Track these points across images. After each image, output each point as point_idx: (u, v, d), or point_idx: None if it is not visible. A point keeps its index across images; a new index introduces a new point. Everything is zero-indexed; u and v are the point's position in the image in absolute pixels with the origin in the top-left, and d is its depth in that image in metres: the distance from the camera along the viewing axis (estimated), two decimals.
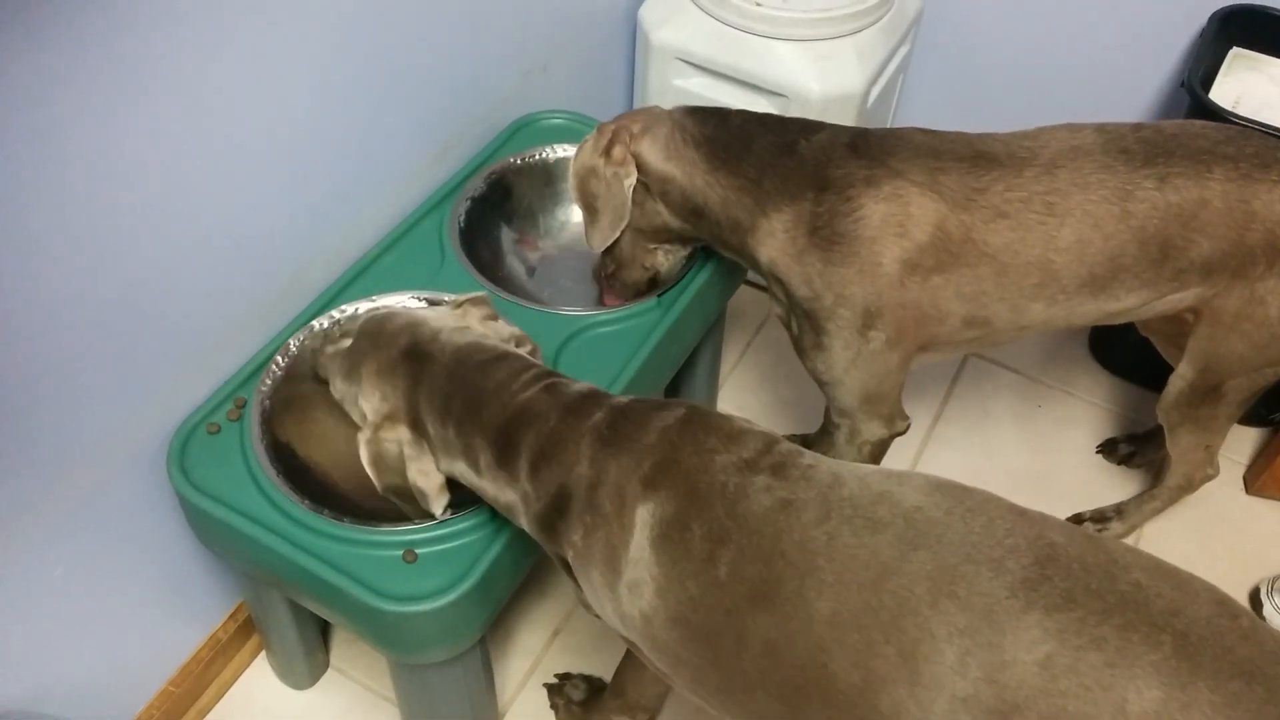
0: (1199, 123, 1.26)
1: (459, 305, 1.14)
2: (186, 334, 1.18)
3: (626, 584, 0.94)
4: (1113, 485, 1.75)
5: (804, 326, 1.28)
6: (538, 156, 1.49)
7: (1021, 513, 0.88)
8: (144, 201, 1.05)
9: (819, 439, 1.63)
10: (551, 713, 1.45)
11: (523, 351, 1.10)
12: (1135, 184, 1.19)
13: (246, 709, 1.45)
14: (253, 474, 1.14)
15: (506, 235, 1.48)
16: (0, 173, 0.90)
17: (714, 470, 0.93)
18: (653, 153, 1.27)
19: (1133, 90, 1.83)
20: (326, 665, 1.48)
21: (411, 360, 1.07)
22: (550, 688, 1.46)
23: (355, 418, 1.13)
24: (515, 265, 1.47)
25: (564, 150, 1.50)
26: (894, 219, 1.18)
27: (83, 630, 1.22)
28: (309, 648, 1.42)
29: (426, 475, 1.07)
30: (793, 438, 1.63)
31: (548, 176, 1.51)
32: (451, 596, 1.06)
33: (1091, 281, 1.22)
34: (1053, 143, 1.23)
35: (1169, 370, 1.43)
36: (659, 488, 0.93)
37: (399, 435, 1.07)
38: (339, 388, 1.14)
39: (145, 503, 1.22)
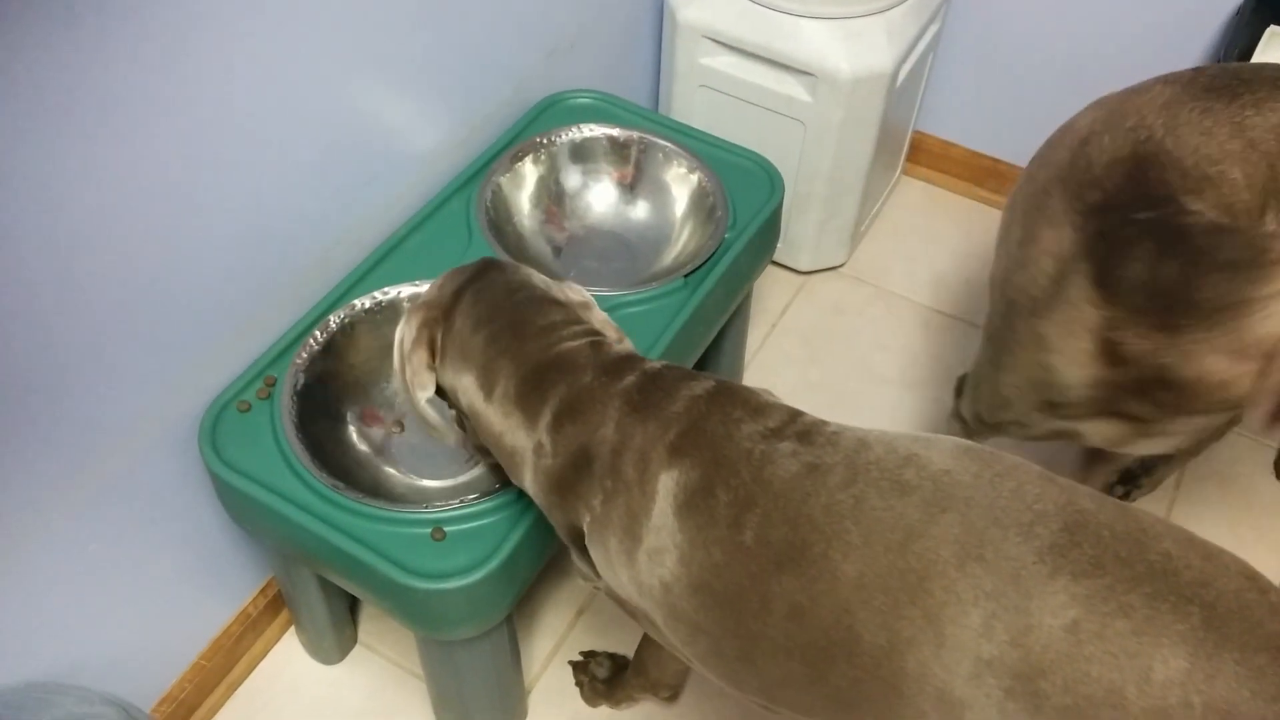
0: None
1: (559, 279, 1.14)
2: (217, 314, 1.19)
3: (646, 551, 0.93)
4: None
5: None
6: (564, 136, 1.49)
7: (1051, 479, 0.88)
8: (174, 183, 1.06)
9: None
10: (575, 690, 1.46)
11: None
12: (1243, 116, 1.16)
13: (276, 683, 1.47)
14: (283, 452, 1.15)
15: (533, 215, 1.48)
16: (33, 157, 0.91)
17: (739, 438, 0.92)
18: None
19: (1166, 70, 1.81)
20: (355, 641, 1.50)
21: (485, 265, 1.07)
22: (575, 665, 1.47)
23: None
24: (541, 245, 1.47)
25: (590, 130, 1.49)
26: None
27: (117, 604, 1.23)
28: (338, 623, 1.43)
29: (419, 367, 1.04)
30: None
31: (574, 156, 1.51)
32: (479, 574, 1.07)
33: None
34: (1148, 113, 1.19)
35: None
36: (684, 455, 0.92)
37: (420, 318, 1.04)
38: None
39: (176, 480, 1.23)
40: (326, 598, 1.36)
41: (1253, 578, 0.82)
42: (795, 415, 0.96)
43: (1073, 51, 1.86)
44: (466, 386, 1.02)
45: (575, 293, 1.09)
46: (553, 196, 1.50)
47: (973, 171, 2.10)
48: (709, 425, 0.93)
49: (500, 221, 1.42)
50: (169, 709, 1.35)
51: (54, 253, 0.97)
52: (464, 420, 1.08)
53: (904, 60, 1.72)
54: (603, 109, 1.56)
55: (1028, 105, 1.97)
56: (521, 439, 1.00)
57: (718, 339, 1.55)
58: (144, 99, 0.99)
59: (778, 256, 1.95)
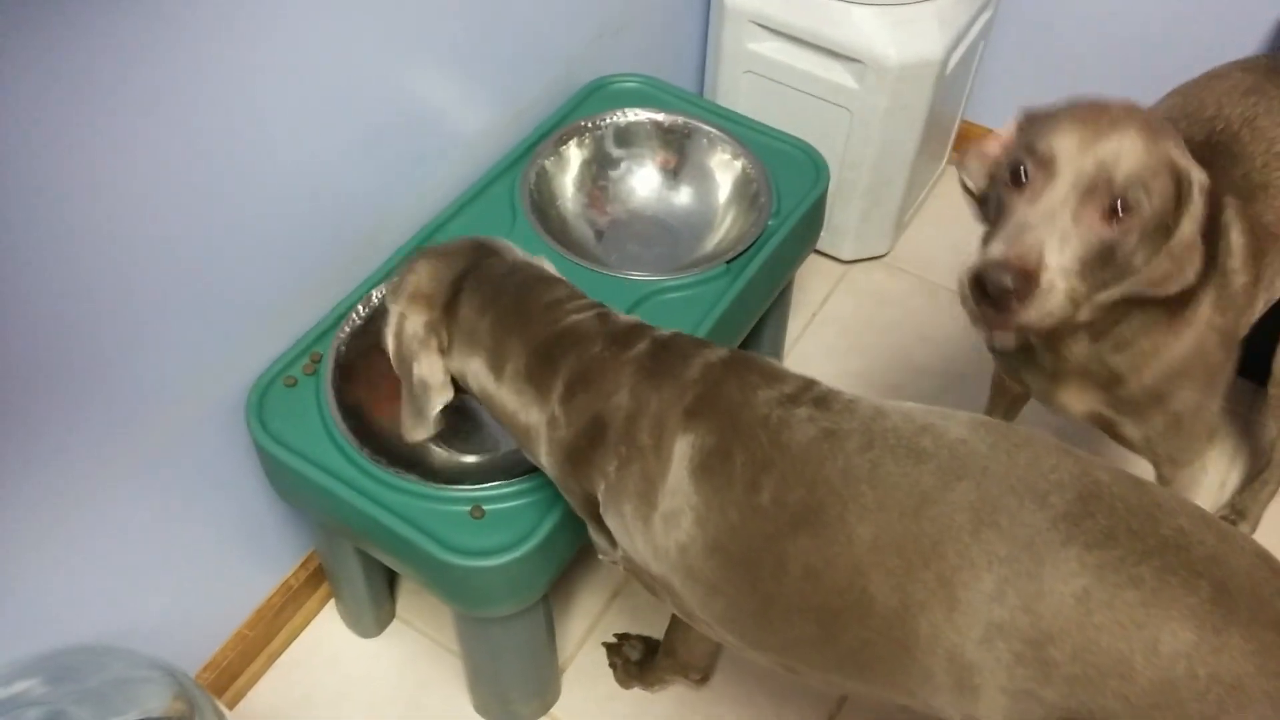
0: None
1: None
2: (265, 290, 1.21)
3: (662, 515, 0.94)
4: None
5: (1148, 412, 1.17)
6: (610, 120, 1.49)
7: (1068, 451, 0.88)
8: (226, 162, 1.08)
9: None
10: (609, 671, 1.47)
11: None
12: None
13: (315, 654, 1.49)
14: (327, 427, 1.17)
15: (576, 199, 1.49)
16: (90, 138, 0.93)
17: (757, 403, 0.93)
18: None
19: (1225, 58, 1.77)
20: (393, 615, 1.52)
21: (477, 249, 1.07)
22: (609, 647, 1.49)
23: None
24: (584, 229, 1.48)
25: (635, 114, 1.50)
26: (1241, 241, 1.11)
27: (164, 573, 1.26)
28: (377, 598, 1.46)
29: (432, 367, 1.03)
30: None
31: (619, 140, 1.51)
32: (517, 553, 1.09)
33: None
34: (1226, 98, 1.18)
35: (1249, 351, 1.39)
36: (701, 419, 0.93)
37: (422, 319, 1.03)
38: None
39: (222, 453, 1.26)
40: (366, 571, 1.39)
41: (1264, 557, 0.83)
42: (811, 383, 0.96)
43: (1126, 40, 1.83)
44: (476, 370, 1.03)
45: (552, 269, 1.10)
46: (596, 180, 1.51)
47: None
48: (725, 390, 0.94)
49: (544, 204, 1.42)
50: (211, 676, 1.38)
51: (107, 232, 0.99)
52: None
53: (954, 49, 1.70)
54: (648, 93, 1.56)
55: (1078, 93, 1.94)
56: (535, 415, 1.00)
57: (757, 327, 1.55)
58: (197, 79, 1.00)
59: (820, 245, 1.94)
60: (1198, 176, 0.97)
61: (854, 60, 1.66)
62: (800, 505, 0.88)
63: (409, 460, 1.18)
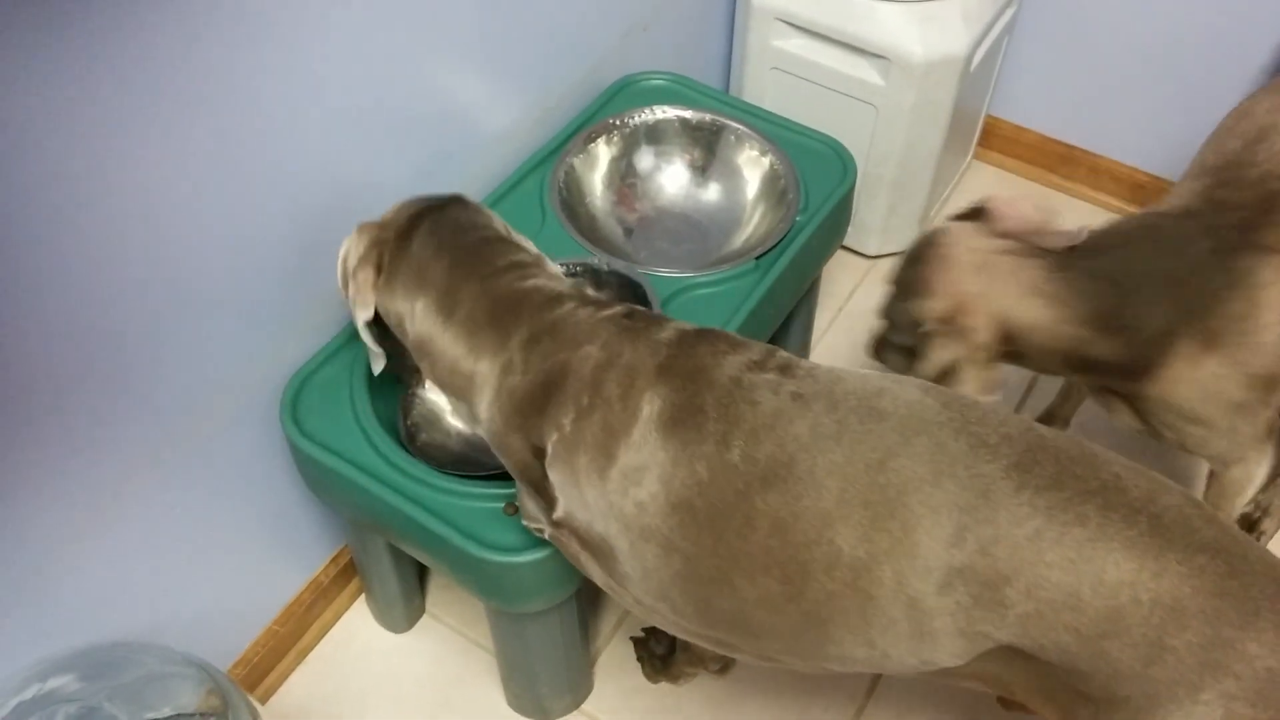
0: None
1: None
2: (296, 289, 1.21)
3: (621, 469, 0.94)
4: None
5: (1189, 427, 1.22)
6: (638, 118, 1.50)
7: (1011, 412, 0.95)
8: (258, 162, 1.08)
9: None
10: (636, 665, 1.48)
11: None
12: None
13: (345, 650, 1.50)
14: (360, 424, 1.18)
15: (605, 196, 1.49)
16: (128, 137, 0.94)
17: (727, 366, 0.96)
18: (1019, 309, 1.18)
19: (1247, 58, 1.77)
20: (423, 610, 1.53)
21: (453, 199, 1.08)
22: (636, 641, 1.49)
23: None
24: (613, 226, 1.48)
25: (663, 112, 1.50)
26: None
27: (197, 570, 1.27)
28: (407, 593, 1.46)
29: (365, 280, 1.04)
30: None
31: (648, 138, 1.51)
32: (551, 549, 1.09)
33: None
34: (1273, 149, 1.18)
35: None
36: (674, 375, 0.95)
37: (369, 235, 1.04)
38: None
39: (255, 452, 1.27)
40: (397, 567, 1.39)
41: (1189, 497, 0.89)
42: (773, 350, 1.00)
43: (1152, 35, 1.82)
44: (419, 311, 1.01)
45: (533, 249, 1.10)
46: (625, 178, 1.51)
47: (1046, 157, 2.07)
48: (698, 353, 0.97)
49: (573, 202, 1.43)
50: (243, 672, 1.40)
51: (144, 232, 1.00)
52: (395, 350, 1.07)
53: (979, 44, 1.70)
54: (676, 91, 1.56)
55: (1104, 90, 1.93)
56: (485, 361, 0.99)
57: (785, 321, 1.55)
58: (231, 80, 1.01)
59: (846, 240, 1.94)
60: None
61: (879, 57, 1.66)
62: (770, 461, 0.91)
63: (443, 457, 1.18)
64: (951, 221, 1.24)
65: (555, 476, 0.98)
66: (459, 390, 1.03)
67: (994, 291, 1.16)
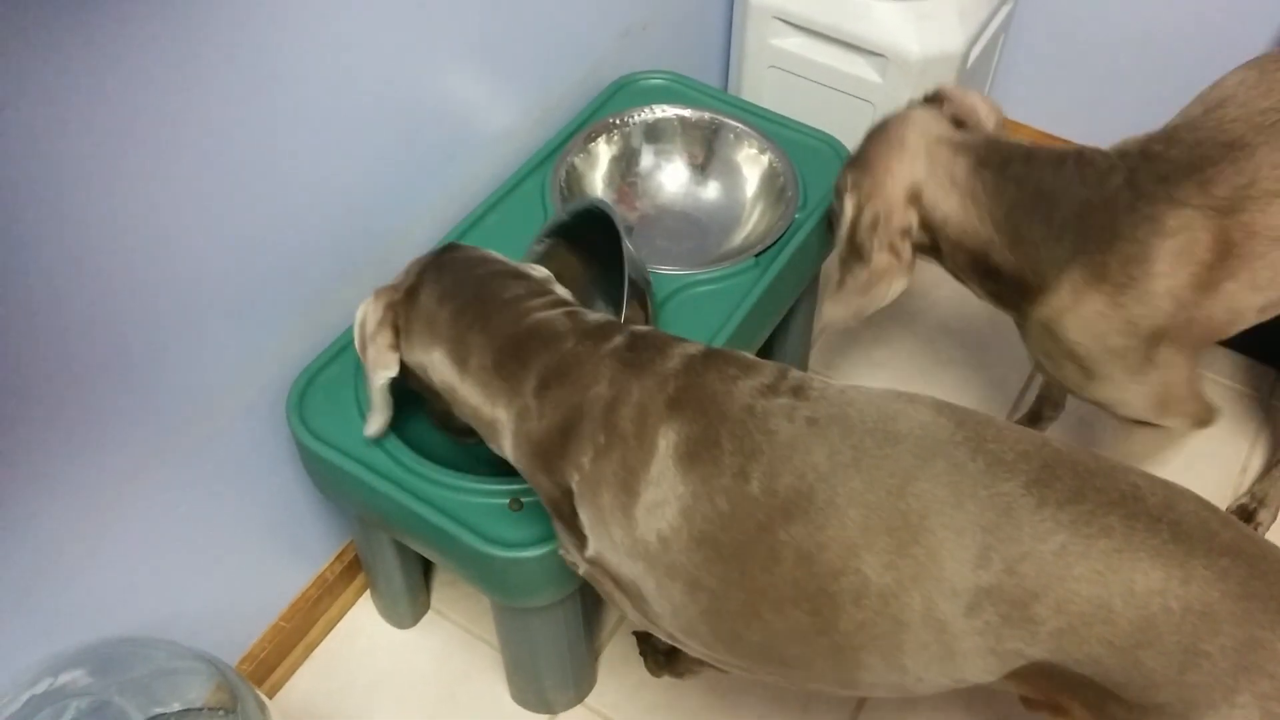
0: None
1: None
2: (301, 288, 1.22)
3: (644, 505, 0.93)
4: (1206, 452, 1.72)
5: (1067, 365, 1.25)
6: (637, 116, 1.51)
7: (1024, 428, 0.94)
8: (262, 164, 1.09)
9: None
10: (639, 659, 1.49)
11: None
12: None
13: (351, 646, 1.51)
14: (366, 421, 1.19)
15: (606, 195, 1.50)
16: (129, 141, 0.95)
17: (739, 393, 0.95)
18: (940, 200, 1.22)
19: (1243, 47, 1.77)
20: (428, 606, 1.54)
21: (445, 248, 1.10)
22: (639, 636, 1.50)
23: None
24: None
25: (662, 110, 1.51)
26: (1182, 251, 1.15)
27: (203, 566, 1.28)
28: (412, 589, 1.48)
29: (380, 342, 1.05)
30: None
31: (647, 136, 1.52)
32: (556, 544, 1.10)
33: None
34: (1251, 111, 1.18)
35: (1271, 337, 1.40)
36: (685, 408, 0.94)
37: (385, 299, 1.06)
38: None
39: (260, 447, 1.28)
40: (402, 563, 1.41)
41: (1203, 501, 0.90)
42: (785, 371, 0.99)
43: (1146, 32, 1.84)
44: (437, 362, 1.03)
45: (537, 271, 1.11)
46: (625, 176, 1.52)
47: None
48: (707, 380, 0.96)
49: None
50: (249, 668, 1.40)
51: (150, 231, 1.01)
52: (434, 398, 1.08)
53: (975, 41, 1.71)
54: (675, 90, 1.57)
55: (1099, 87, 1.94)
56: (501, 410, 1.00)
57: (785, 319, 1.56)
58: (235, 80, 1.02)
59: None
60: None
61: (876, 54, 1.67)
62: (791, 492, 0.90)
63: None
64: (915, 106, 1.28)
65: (584, 515, 0.97)
66: (486, 433, 1.04)
67: (922, 176, 1.20)
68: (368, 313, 1.08)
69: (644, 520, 0.94)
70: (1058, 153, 1.22)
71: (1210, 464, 1.70)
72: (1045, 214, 1.18)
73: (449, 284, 1.04)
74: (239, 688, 1.12)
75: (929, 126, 1.23)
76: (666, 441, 0.93)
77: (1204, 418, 1.33)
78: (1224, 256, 1.16)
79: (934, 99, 1.29)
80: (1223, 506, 1.60)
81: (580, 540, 1.00)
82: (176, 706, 1.07)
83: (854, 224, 1.24)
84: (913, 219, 1.21)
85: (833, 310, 1.32)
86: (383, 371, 1.07)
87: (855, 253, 1.25)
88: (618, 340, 0.99)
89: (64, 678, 1.04)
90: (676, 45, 1.75)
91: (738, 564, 0.92)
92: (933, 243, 1.25)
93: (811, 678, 0.97)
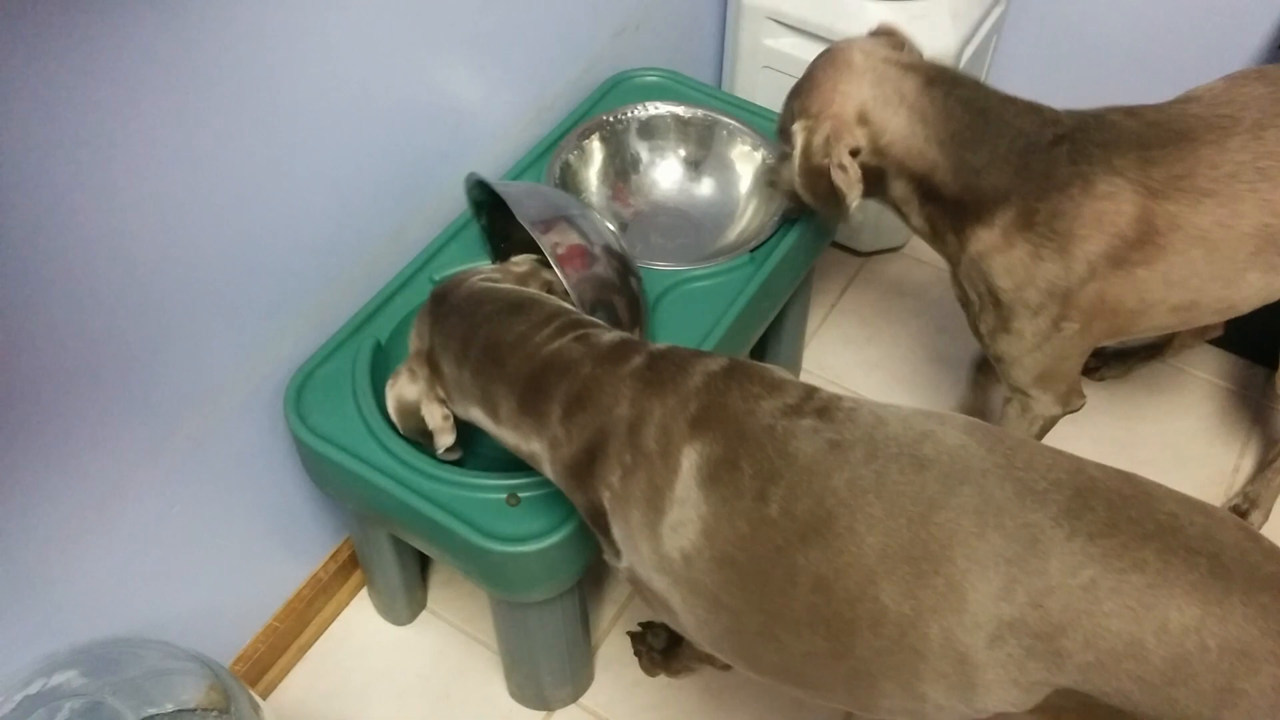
0: None
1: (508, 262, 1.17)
2: (297, 287, 1.22)
3: (670, 524, 0.94)
4: (1197, 453, 1.73)
5: (989, 310, 1.28)
6: (632, 113, 1.51)
7: (1059, 451, 0.92)
8: (257, 160, 1.09)
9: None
10: (634, 658, 1.49)
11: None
12: None
13: (345, 646, 1.51)
14: (364, 417, 1.19)
15: (601, 192, 1.50)
16: (130, 136, 0.95)
17: (761, 413, 0.94)
18: (890, 118, 1.22)
19: (1235, 51, 1.79)
20: (424, 603, 1.54)
21: (435, 300, 1.10)
22: (633, 635, 1.50)
23: None
24: (608, 221, 1.49)
25: (657, 108, 1.51)
26: (1106, 217, 1.17)
27: (198, 567, 1.28)
28: (409, 585, 1.47)
29: (432, 415, 1.09)
30: None
31: (641, 133, 1.52)
32: (553, 539, 1.10)
33: None
34: (1253, 102, 1.20)
35: (1263, 336, 1.41)
36: (707, 428, 0.93)
37: (421, 374, 1.09)
38: None
39: (256, 448, 1.27)
40: (400, 559, 1.40)
41: (1245, 529, 0.87)
42: (811, 391, 0.97)
43: (1138, 33, 1.85)
44: (477, 418, 1.07)
45: (533, 293, 1.10)
46: (620, 173, 1.52)
47: None
48: (729, 400, 0.95)
49: None
50: (243, 668, 1.40)
51: (146, 229, 1.01)
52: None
53: (967, 42, 1.71)
54: (669, 87, 1.58)
55: (1091, 88, 1.95)
56: (536, 443, 1.02)
57: (779, 317, 1.57)
58: (230, 79, 1.02)
59: (838, 237, 1.96)
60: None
61: None
62: (809, 516, 0.89)
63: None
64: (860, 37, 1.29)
65: (615, 531, 0.99)
66: (530, 463, 1.06)
67: (871, 94, 1.21)
68: (399, 391, 1.10)
69: (669, 538, 0.94)
70: (1013, 98, 1.25)
71: (1202, 465, 1.71)
72: (990, 141, 1.19)
73: (458, 344, 1.05)
74: (232, 688, 1.11)
75: (874, 49, 1.25)
76: (689, 461, 0.93)
77: (1073, 400, 1.37)
78: (1144, 239, 1.18)
79: (879, 33, 1.30)
80: (1216, 505, 1.63)
81: (616, 553, 1.01)
82: (170, 707, 1.07)
83: (806, 148, 1.23)
84: (861, 139, 1.22)
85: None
86: (447, 439, 1.11)
87: (811, 178, 1.25)
88: (637, 361, 0.98)
89: (58, 678, 1.04)
90: (670, 45, 1.76)
91: (756, 586, 0.92)
92: (878, 168, 1.25)
93: (833, 699, 0.97)
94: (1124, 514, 0.85)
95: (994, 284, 1.24)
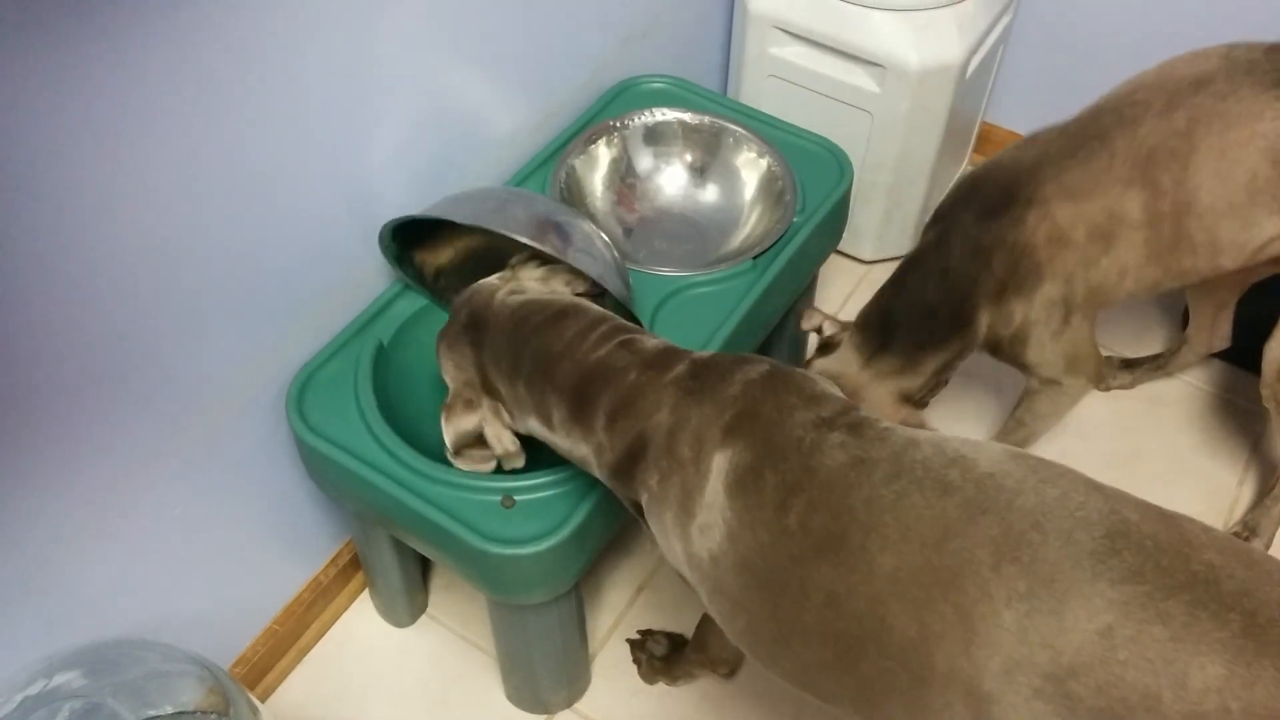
0: None
1: (510, 268, 1.18)
2: (303, 287, 1.23)
3: (699, 526, 0.96)
4: (1201, 467, 1.72)
5: (1007, 347, 1.38)
6: (638, 120, 1.51)
7: (1098, 487, 0.89)
8: (263, 164, 1.10)
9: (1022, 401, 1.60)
10: (633, 666, 1.48)
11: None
12: (1266, 105, 1.20)
13: (344, 650, 1.51)
14: (364, 418, 1.19)
15: (606, 197, 1.51)
16: (131, 140, 0.95)
17: (791, 424, 0.94)
18: None
19: None
20: (425, 605, 1.54)
21: (472, 330, 1.11)
22: (632, 643, 1.50)
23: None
24: (613, 226, 1.49)
25: (662, 114, 1.52)
26: (1054, 237, 1.27)
27: (198, 569, 1.28)
28: (410, 587, 1.47)
29: (501, 440, 1.11)
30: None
31: (647, 139, 1.53)
32: (551, 541, 1.10)
33: (1230, 211, 1.24)
34: (1169, 83, 1.26)
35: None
36: (738, 436, 0.94)
37: (480, 402, 1.11)
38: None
39: (258, 450, 1.27)
40: (401, 561, 1.40)
41: None
42: (848, 407, 0.97)
43: (1144, 43, 1.84)
44: (535, 428, 1.10)
45: (572, 300, 1.11)
46: (625, 179, 1.53)
47: None
48: (763, 410, 0.95)
49: (574, 203, 1.44)
50: (242, 671, 1.40)
51: (151, 232, 1.01)
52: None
53: (974, 52, 1.72)
54: (675, 94, 1.58)
55: (1099, 97, 1.95)
56: (585, 448, 1.04)
57: (781, 325, 1.57)
58: (234, 83, 1.02)
59: (842, 245, 1.95)
60: None
61: (875, 64, 1.68)
62: (825, 531, 0.89)
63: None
64: (815, 363, 1.41)
65: (652, 527, 1.02)
66: (581, 466, 1.09)
67: (877, 399, 1.34)
68: (461, 427, 1.12)
69: (697, 539, 0.96)
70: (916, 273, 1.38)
71: (1206, 479, 1.70)
72: (932, 303, 1.33)
73: (509, 362, 1.08)
74: (232, 691, 1.11)
75: (838, 381, 1.33)
76: (719, 468, 0.94)
77: (1101, 375, 1.48)
78: (1091, 238, 1.26)
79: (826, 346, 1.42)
80: (1218, 523, 1.62)
81: (654, 544, 1.04)
82: (169, 709, 1.07)
83: None
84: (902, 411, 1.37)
85: None
86: (519, 461, 1.15)
87: None
88: (679, 369, 1.00)
89: (58, 679, 1.04)
90: (676, 54, 1.76)
91: (772, 594, 0.92)
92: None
93: (841, 710, 0.97)
94: (1155, 561, 0.81)
95: (1003, 339, 1.35)
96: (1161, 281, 1.32)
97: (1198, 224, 1.25)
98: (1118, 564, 0.81)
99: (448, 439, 1.12)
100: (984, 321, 1.33)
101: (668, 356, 1.02)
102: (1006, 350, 1.38)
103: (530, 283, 1.15)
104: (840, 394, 1.01)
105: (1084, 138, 1.28)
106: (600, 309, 1.10)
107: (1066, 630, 0.80)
